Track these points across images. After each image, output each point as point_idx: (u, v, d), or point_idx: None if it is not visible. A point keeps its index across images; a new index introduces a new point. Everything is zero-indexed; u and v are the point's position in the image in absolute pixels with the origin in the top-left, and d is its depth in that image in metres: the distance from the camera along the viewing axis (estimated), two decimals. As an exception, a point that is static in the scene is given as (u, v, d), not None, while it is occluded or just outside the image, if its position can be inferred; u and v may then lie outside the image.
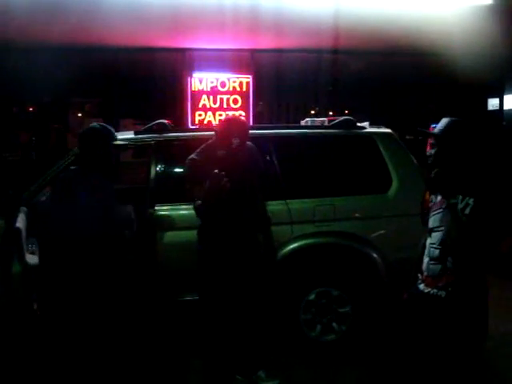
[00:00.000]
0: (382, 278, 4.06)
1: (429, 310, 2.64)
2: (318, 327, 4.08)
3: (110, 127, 3.26)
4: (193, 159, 3.44)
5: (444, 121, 2.61)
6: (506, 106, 9.68)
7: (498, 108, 9.80)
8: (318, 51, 7.35)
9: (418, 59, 7.24)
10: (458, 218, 2.46)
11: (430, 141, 2.64)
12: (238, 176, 3.36)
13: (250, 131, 3.67)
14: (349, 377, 3.75)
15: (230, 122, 3.54)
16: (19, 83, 6.76)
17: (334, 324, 4.09)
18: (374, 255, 4.07)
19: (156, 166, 4.07)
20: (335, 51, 7.20)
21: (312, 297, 4.05)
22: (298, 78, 8.51)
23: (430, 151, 2.61)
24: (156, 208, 3.94)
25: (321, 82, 8.69)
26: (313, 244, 4.06)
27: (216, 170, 3.14)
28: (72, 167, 3.37)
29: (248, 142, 3.51)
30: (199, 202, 3.32)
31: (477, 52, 6.68)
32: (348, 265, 4.07)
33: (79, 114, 8.70)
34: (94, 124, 3.26)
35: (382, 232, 4.10)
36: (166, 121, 4.26)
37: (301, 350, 4.07)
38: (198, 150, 3.51)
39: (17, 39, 6.61)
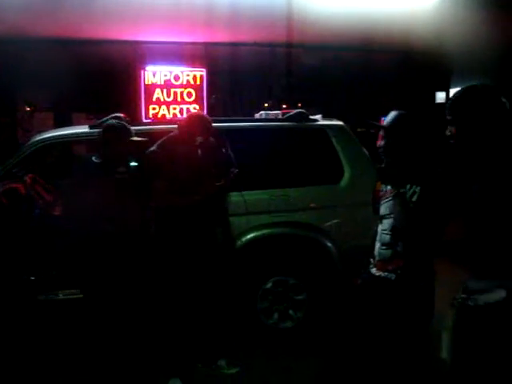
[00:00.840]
0: (336, 266, 4.21)
1: (379, 292, 2.77)
2: (275, 315, 4.20)
3: (127, 124, 3.48)
4: (153, 151, 3.46)
5: (392, 114, 2.73)
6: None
7: (444, 101, 10.21)
8: (271, 45, 7.43)
9: (369, 54, 7.44)
10: (406, 205, 2.60)
11: (380, 133, 2.76)
12: (198, 170, 3.42)
13: None
14: (306, 363, 3.85)
15: (194, 119, 3.57)
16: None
17: (291, 311, 4.22)
18: (328, 244, 4.21)
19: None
20: (288, 45, 7.30)
21: (269, 285, 4.15)
22: (252, 71, 8.57)
23: (379, 143, 2.74)
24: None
25: (274, 75, 8.78)
26: (268, 234, 4.17)
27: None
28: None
29: (211, 139, 3.55)
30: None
31: (425, 46, 6.92)
32: (303, 254, 4.19)
33: (28, 108, 8.46)
34: (112, 121, 3.52)
35: (335, 221, 4.23)
36: (121, 114, 4.23)
37: (259, 338, 4.17)
38: (159, 143, 3.53)
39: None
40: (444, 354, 2.22)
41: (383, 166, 2.72)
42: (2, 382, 3.56)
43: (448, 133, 2.24)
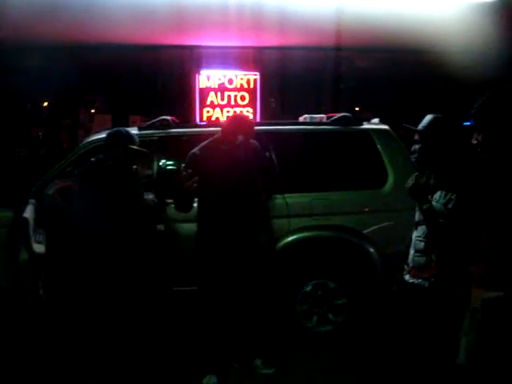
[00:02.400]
0: (377, 271, 4.16)
1: (413, 299, 2.73)
2: (315, 318, 4.20)
3: (131, 133, 3.79)
4: (193, 153, 3.57)
5: (427, 117, 2.69)
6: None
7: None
8: (324, 49, 7.43)
9: (420, 56, 7.28)
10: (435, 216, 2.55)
11: (415, 137, 2.72)
12: (240, 172, 3.49)
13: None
14: (343, 367, 3.84)
15: (236, 120, 3.67)
16: (32, 81, 6.94)
17: (330, 315, 4.21)
18: (370, 249, 4.17)
19: (159, 162, 4.21)
20: (339, 49, 7.26)
21: (308, 288, 4.16)
22: (304, 75, 8.58)
23: (414, 147, 2.70)
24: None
25: (327, 79, 8.75)
26: (310, 237, 4.17)
27: (189, 170, 3.37)
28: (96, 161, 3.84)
29: (253, 141, 3.62)
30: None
31: (476, 50, 6.71)
32: (344, 258, 4.17)
33: (92, 111, 8.88)
34: (119, 128, 3.85)
35: (377, 226, 4.19)
36: (169, 117, 4.39)
37: (298, 341, 4.18)
38: (201, 145, 3.63)
39: (27, 38, 6.78)
40: (462, 360, 2.16)
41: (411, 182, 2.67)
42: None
43: (474, 141, 2.16)
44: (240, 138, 3.43)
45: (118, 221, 3.53)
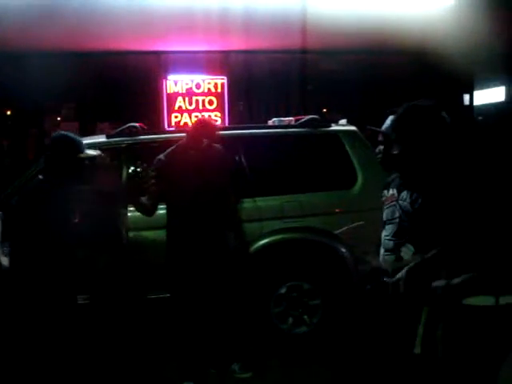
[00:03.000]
0: (350, 271, 4.21)
1: (385, 297, 2.77)
2: (290, 320, 4.23)
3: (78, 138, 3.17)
4: (159, 159, 3.58)
5: (390, 118, 2.74)
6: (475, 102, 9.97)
7: (468, 104, 10.04)
8: (289, 51, 7.49)
9: (386, 56, 7.42)
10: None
11: (379, 138, 2.77)
12: (206, 175, 3.50)
13: (221, 132, 3.88)
14: (320, 368, 3.86)
15: (200, 124, 3.70)
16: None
17: (306, 316, 4.24)
18: (341, 249, 4.22)
19: (127, 169, 4.16)
20: (304, 51, 7.33)
21: (283, 290, 4.19)
22: (272, 78, 8.63)
23: (378, 148, 2.76)
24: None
25: (293, 82, 8.81)
26: (282, 239, 4.20)
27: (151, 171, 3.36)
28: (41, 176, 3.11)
29: (217, 145, 3.65)
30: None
31: (449, 48, 6.86)
32: (317, 259, 4.21)
33: (58, 118, 8.73)
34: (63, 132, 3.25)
35: (348, 226, 4.23)
36: (137, 124, 4.36)
37: (273, 343, 4.20)
38: (168, 151, 3.64)
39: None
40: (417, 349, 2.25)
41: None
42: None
43: (394, 152, 2.35)
44: (205, 141, 3.45)
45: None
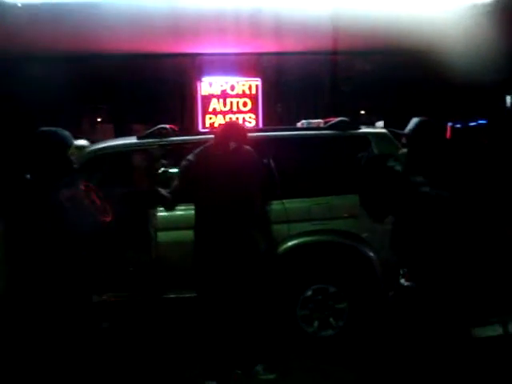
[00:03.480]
0: (377, 275, 4.16)
1: (410, 302, 2.74)
2: (316, 323, 4.20)
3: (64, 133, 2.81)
4: (187, 160, 3.62)
5: (414, 121, 2.70)
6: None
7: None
8: (321, 53, 7.46)
9: (425, 57, 7.28)
10: None
11: (402, 141, 2.74)
12: (232, 177, 3.52)
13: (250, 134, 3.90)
14: (345, 372, 3.83)
15: (228, 126, 3.74)
16: (34, 91, 7.02)
17: (332, 320, 4.21)
18: (369, 252, 4.17)
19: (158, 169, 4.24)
20: (335, 52, 7.29)
21: (309, 293, 4.16)
22: (305, 79, 8.61)
23: (401, 151, 2.72)
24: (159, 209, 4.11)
25: (329, 83, 8.77)
26: (309, 242, 4.18)
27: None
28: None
29: (247, 147, 3.66)
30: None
31: (488, 49, 6.70)
32: (343, 262, 4.18)
33: (99, 119, 8.95)
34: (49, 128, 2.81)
35: (376, 230, 4.17)
36: (167, 126, 4.43)
37: (299, 346, 4.18)
38: (195, 152, 3.68)
39: (30, 48, 6.88)
40: None
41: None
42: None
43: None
44: (232, 144, 3.47)
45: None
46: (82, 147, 2.84)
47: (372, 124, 4.70)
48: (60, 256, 2.63)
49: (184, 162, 3.61)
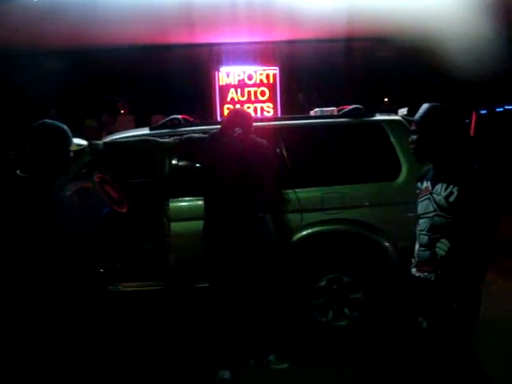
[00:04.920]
0: (392, 265, 4.10)
1: (420, 293, 2.69)
2: (330, 313, 4.18)
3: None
4: (189, 136, 3.72)
5: (424, 107, 2.63)
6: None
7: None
8: (340, 40, 7.35)
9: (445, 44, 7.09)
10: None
11: (412, 127, 2.66)
12: (238, 164, 3.49)
13: (260, 123, 3.98)
14: (359, 362, 3.80)
15: (234, 113, 3.73)
16: (53, 84, 7.11)
17: (346, 310, 4.18)
18: (384, 242, 4.11)
19: (170, 160, 4.25)
20: (351, 39, 7.17)
21: (323, 283, 4.14)
22: (326, 67, 8.51)
23: (411, 137, 2.65)
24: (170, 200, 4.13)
25: (349, 71, 8.65)
26: (322, 231, 4.14)
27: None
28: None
29: (258, 138, 3.63)
30: None
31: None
32: (358, 252, 4.13)
33: (122, 111, 9.03)
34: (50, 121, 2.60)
35: (391, 219, 4.12)
36: (179, 116, 4.42)
37: (313, 336, 4.17)
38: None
39: (46, 42, 6.96)
40: None
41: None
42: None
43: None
44: (237, 130, 3.45)
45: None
46: (81, 145, 2.69)
47: (395, 112, 4.59)
48: (51, 256, 2.41)
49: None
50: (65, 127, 2.57)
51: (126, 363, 3.86)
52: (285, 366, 3.74)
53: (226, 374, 3.61)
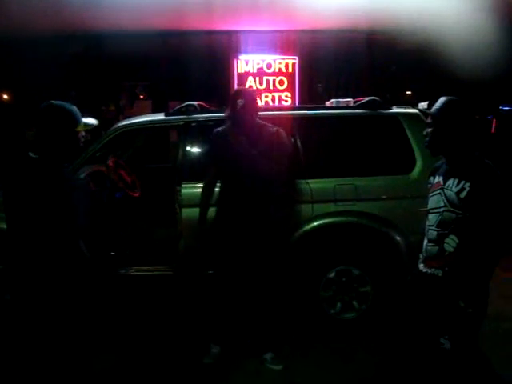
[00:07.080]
0: (403, 259, 4.07)
1: (427, 288, 2.67)
2: (338, 305, 4.16)
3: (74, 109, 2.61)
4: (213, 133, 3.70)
5: (441, 100, 2.58)
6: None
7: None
8: (359, 31, 7.26)
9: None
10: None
11: (427, 120, 2.62)
12: (245, 156, 3.45)
13: (275, 112, 3.95)
14: (366, 355, 3.80)
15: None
16: (71, 68, 7.18)
17: (355, 302, 4.16)
18: (395, 236, 4.07)
19: (184, 146, 4.26)
20: (373, 32, 7.07)
21: (332, 275, 4.12)
22: (343, 58, 8.43)
23: (426, 130, 2.61)
24: (182, 186, 4.14)
25: (368, 62, 8.55)
26: (333, 223, 4.12)
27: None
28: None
29: (272, 126, 3.58)
30: None
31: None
32: (368, 245, 4.10)
33: (141, 96, 9.08)
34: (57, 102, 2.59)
35: (404, 213, 4.07)
36: (195, 103, 4.42)
37: (320, 328, 4.16)
38: (215, 132, 3.69)
39: (68, 25, 7.00)
40: None
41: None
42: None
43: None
44: (240, 102, 3.41)
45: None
46: (90, 125, 2.70)
47: (415, 105, 4.53)
48: (57, 238, 2.48)
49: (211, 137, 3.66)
50: (72, 107, 2.55)
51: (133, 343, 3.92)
52: (279, 367, 3.67)
53: (216, 349, 3.70)
